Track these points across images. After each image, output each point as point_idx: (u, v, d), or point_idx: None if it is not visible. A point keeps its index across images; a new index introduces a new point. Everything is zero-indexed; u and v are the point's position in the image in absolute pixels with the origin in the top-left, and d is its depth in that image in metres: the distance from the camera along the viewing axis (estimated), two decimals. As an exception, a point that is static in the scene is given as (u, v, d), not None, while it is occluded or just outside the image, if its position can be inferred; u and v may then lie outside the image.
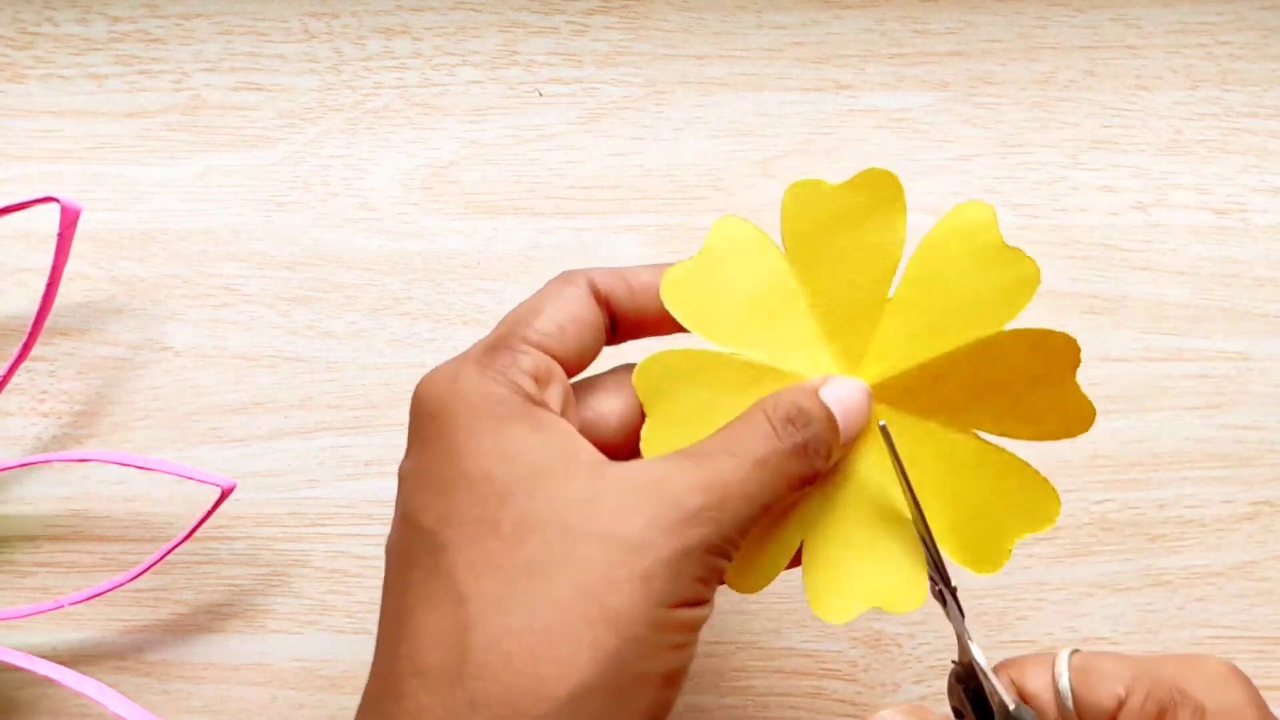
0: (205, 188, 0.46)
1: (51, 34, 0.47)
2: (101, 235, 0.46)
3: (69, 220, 0.42)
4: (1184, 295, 0.45)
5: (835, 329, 0.33)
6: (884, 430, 0.32)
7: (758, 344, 0.33)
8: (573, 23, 0.47)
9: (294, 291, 0.45)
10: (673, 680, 0.29)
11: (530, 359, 0.31)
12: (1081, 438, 0.32)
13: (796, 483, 0.31)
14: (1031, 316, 0.32)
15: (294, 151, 0.46)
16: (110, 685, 0.42)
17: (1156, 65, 0.47)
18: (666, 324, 0.33)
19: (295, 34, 0.47)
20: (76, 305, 0.45)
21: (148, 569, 0.42)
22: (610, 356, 0.35)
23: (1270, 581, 0.43)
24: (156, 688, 0.43)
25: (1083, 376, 0.32)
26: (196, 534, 0.42)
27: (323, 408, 0.45)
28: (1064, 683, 0.31)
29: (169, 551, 0.42)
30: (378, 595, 0.31)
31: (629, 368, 0.34)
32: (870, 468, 0.33)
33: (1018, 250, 0.32)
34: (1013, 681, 0.31)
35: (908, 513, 0.33)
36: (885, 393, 0.33)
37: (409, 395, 0.32)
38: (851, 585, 0.33)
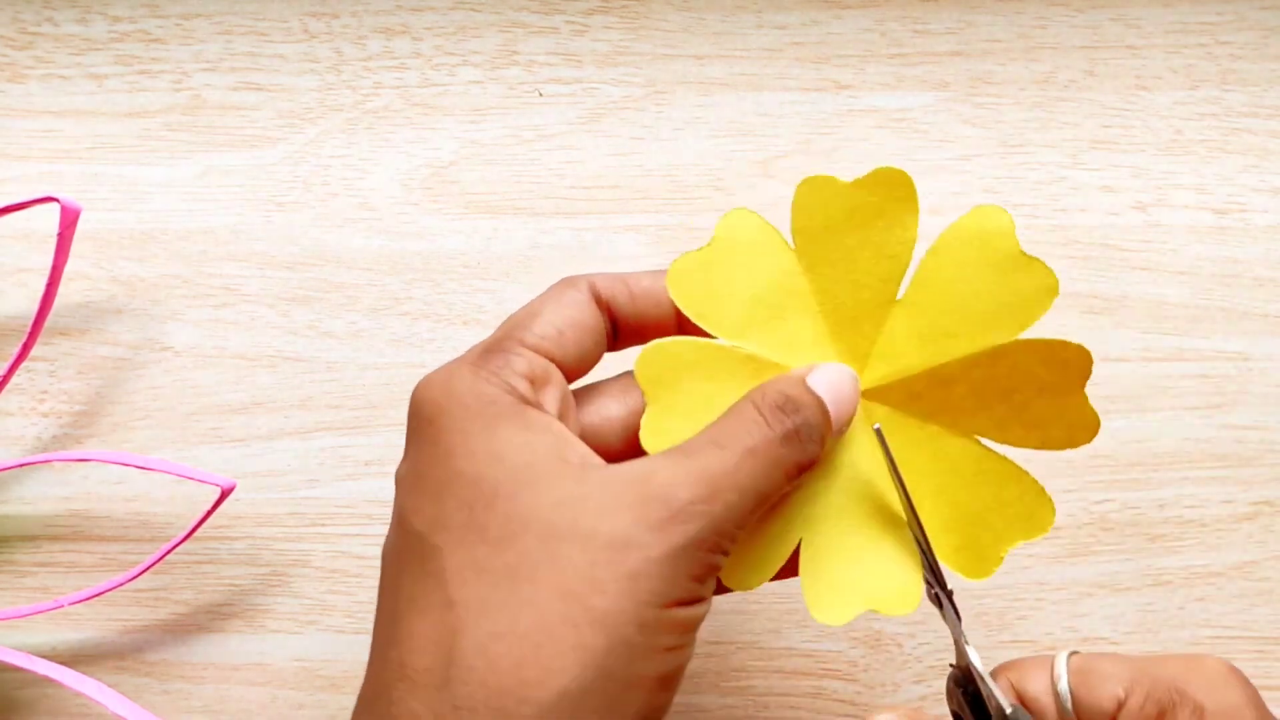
0: (205, 188, 0.46)
1: (51, 34, 0.47)
2: (101, 235, 0.46)
3: (69, 220, 0.42)
4: (1184, 295, 0.45)
5: (841, 328, 0.33)
6: (878, 433, 0.32)
7: (762, 340, 0.33)
8: (573, 23, 0.47)
9: (294, 291, 0.45)
10: (667, 682, 0.29)
11: (525, 361, 0.31)
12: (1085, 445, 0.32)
13: (792, 470, 0.31)
14: (1038, 322, 0.32)
15: (294, 151, 0.46)
16: (110, 685, 0.42)
17: (1156, 65, 0.47)
18: (668, 329, 0.33)
19: (295, 34, 0.47)
20: (76, 305, 0.45)
21: (148, 569, 0.42)
22: (611, 361, 0.35)
23: (1270, 581, 0.43)
24: (156, 688, 0.43)
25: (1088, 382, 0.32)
26: (196, 534, 0.42)
27: (323, 408, 0.45)
28: (1063, 685, 0.31)
29: (169, 551, 0.42)
30: (376, 596, 0.31)
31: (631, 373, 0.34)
32: (869, 469, 0.33)
33: (1037, 260, 0.31)
34: (1012, 684, 0.31)
35: (904, 515, 0.33)
36: (889, 395, 0.33)
37: (409, 395, 0.32)
38: (848, 587, 0.33)
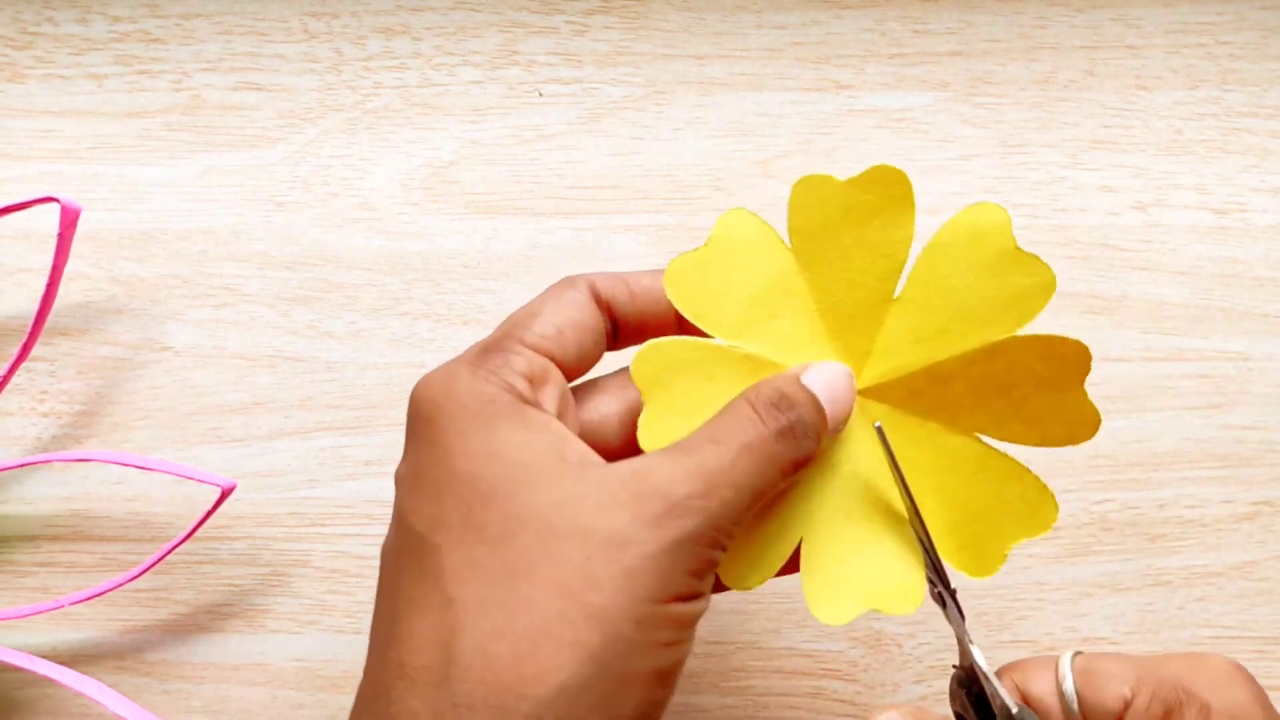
0: (205, 188, 0.46)
1: (51, 34, 0.47)
2: (101, 235, 0.46)
3: (69, 220, 0.42)
4: (1184, 295, 0.45)
5: (839, 327, 0.33)
6: (879, 431, 0.32)
7: (759, 339, 0.33)
8: (573, 23, 0.47)
9: (294, 291, 0.45)
10: (665, 678, 0.29)
11: (524, 360, 0.31)
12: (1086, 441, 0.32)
13: (788, 467, 0.31)
14: (1036, 318, 0.32)
15: (294, 151, 0.46)
16: (110, 685, 0.42)
17: (1156, 65, 0.47)
18: (668, 328, 0.33)
19: (295, 34, 0.47)
20: (76, 305, 0.45)
21: (148, 569, 0.42)
22: (611, 361, 0.35)
23: (1270, 581, 0.43)
24: (156, 688, 0.43)
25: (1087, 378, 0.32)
26: (196, 534, 0.42)
27: (323, 408, 0.45)
28: (1068, 685, 0.31)
29: (169, 551, 0.42)
30: (375, 596, 0.31)
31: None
32: (870, 468, 0.33)
33: (1034, 256, 0.31)
34: (1016, 685, 0.31)
35: (906, 514, 0.33)
36: (888, 393, 0.33)
37: (409, 395, 0.32)
38: (849, 586, 0.33)
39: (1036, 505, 0.32)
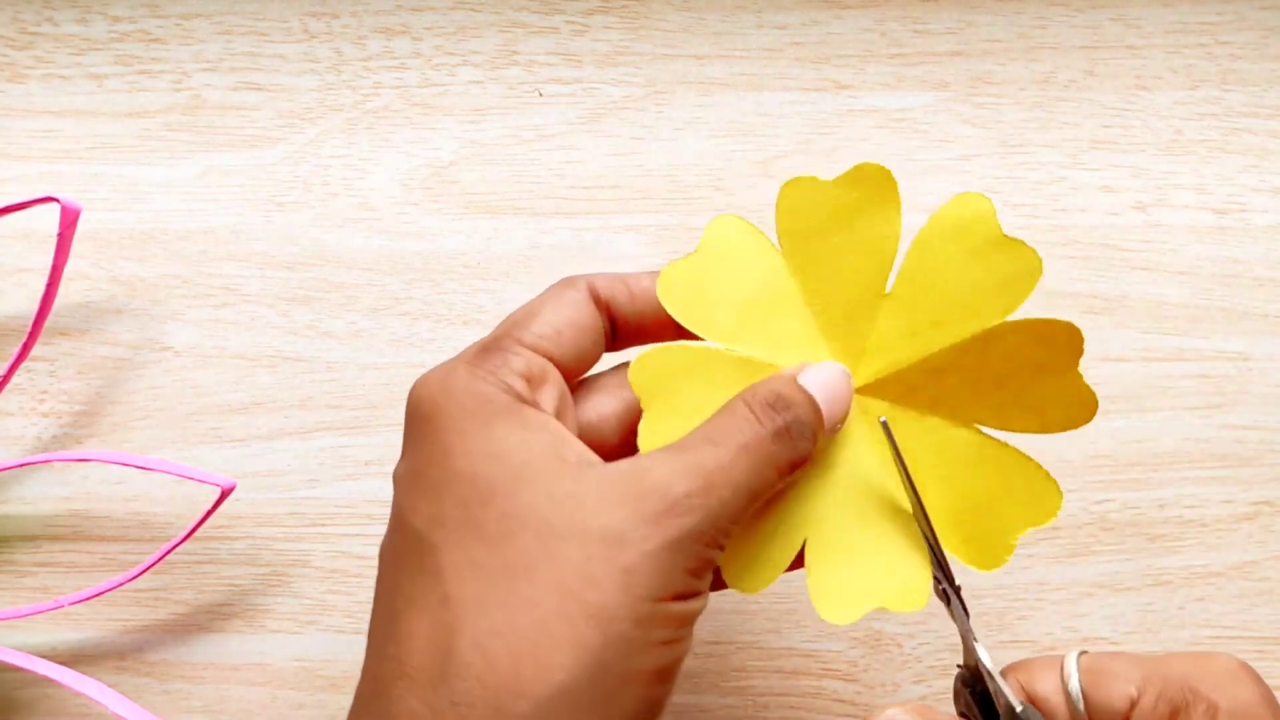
0: (205, 188, 0.46)
1: (51, 34, 0.47)
2: (101, 235, 0.46)
3: (69, 220, 0.42)
4: (1184, 295, 0.45)
5: (833, 326, 0.33)
6: (885, 426, 0.32)
7: (755, 342, 0.33)
8: (573, 23, 0.47)
9: (294, 291, 0.45)
10: (663, 676, 0.29)
11: (522, 360, 0.31)
12: (1082, 438, 0.32)
13: (785, 467, 0.31)
14: (1029, 311, 0.32)
15: (294, 151, 0.46)
16: (110, 685, 0.42)
17: (1156, 65, 0.47)
18: (667, 329, 0.33)
19: (295, 34, 0.47)
20: (76, 305, 0.45)
21: (148, 569, 0.42)
22: (612, 362, 0.35)
23: (1270, 581, 0.43)
24: (156, 688, 0.43)
25: (1083, 377, 0.32)
26: (196, 534, 0.42)
27: (323, 408, 0.45)
28: (1074, 684, 0.31)
29: (169, 551, 0.42)
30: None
31: (628, 366, 0.34)
32: (872, 466, 0.33)
33: (1018, 241, 0.32)
34: (1021, 685, 0.31)
35: (910, 510, 0.33)
36: (886, 389, 0.33)
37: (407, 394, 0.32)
38: (855, 585, 0.33)
39: (1041, 493, 0.32)
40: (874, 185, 0.33)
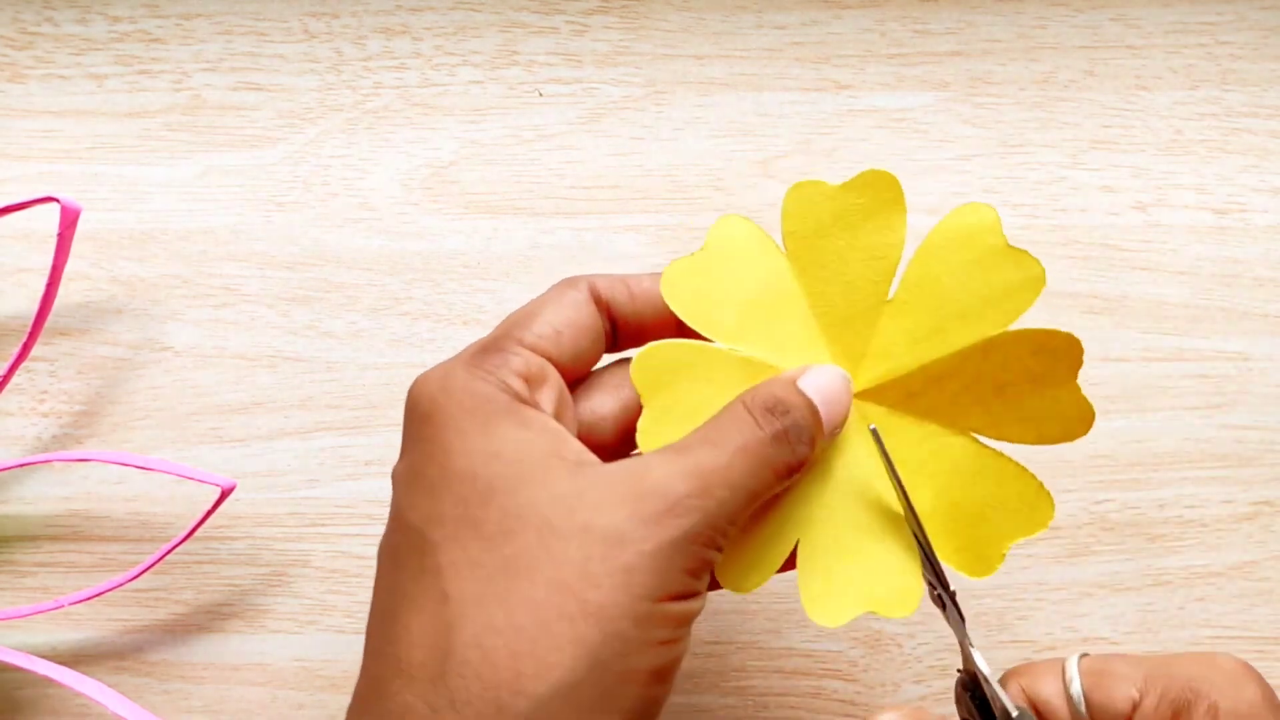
0: (205, 188, 0.46)
1: (51, 34, 0.47)
2: (101, 235, 0.46)
3: (69, 220, 0.42)
4: (1184, 295, 0.45)
5: (834, 330, 0.33)
6: (874, 434, 0.32)
7: (757, 343, 0.33)
8: (573, 23, 0.47)
9: (294, 291, 0.45)
10: (662, 676, 0.29)
11: (521, 360, 0.31)
12: (1082, 438, 0.32)
13: (782, 471, 0.31)
14: (1031, 317, 0.32)
15: (294, 151, 0.46)
16: (110, 685, 0.42)
17: (1156, 65, 0.47)
18: (668, 330, 0.33)
19: (295, 34, 0.47)
20: (76, 305, 0.45)
21: (148, 569, 0.42)
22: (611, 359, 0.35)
23: (1270, 581, 0.43)
24: (156, 688, 0.43)
25: (1083, 376, 0.32)
26: (196, 534, 0.42)
27: (323, 408, 0.45)
28: (1076, 687, 0.31)
29: (169, 551, 0.42)
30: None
31: (628, 364, 0.34)
32: (868, 471, 0.33)
33: (1023, 251, 0.32)
34: (1024, 689, 0.31)
35: (904, 516, 0.33)
36: (884, 395, 0.33)
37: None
38: (846, 589, 0.33)
39: (1034, 504, 0.32)
40: (880, 191, 0.33)
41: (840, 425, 0.32)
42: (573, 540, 0.28)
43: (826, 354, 0.33)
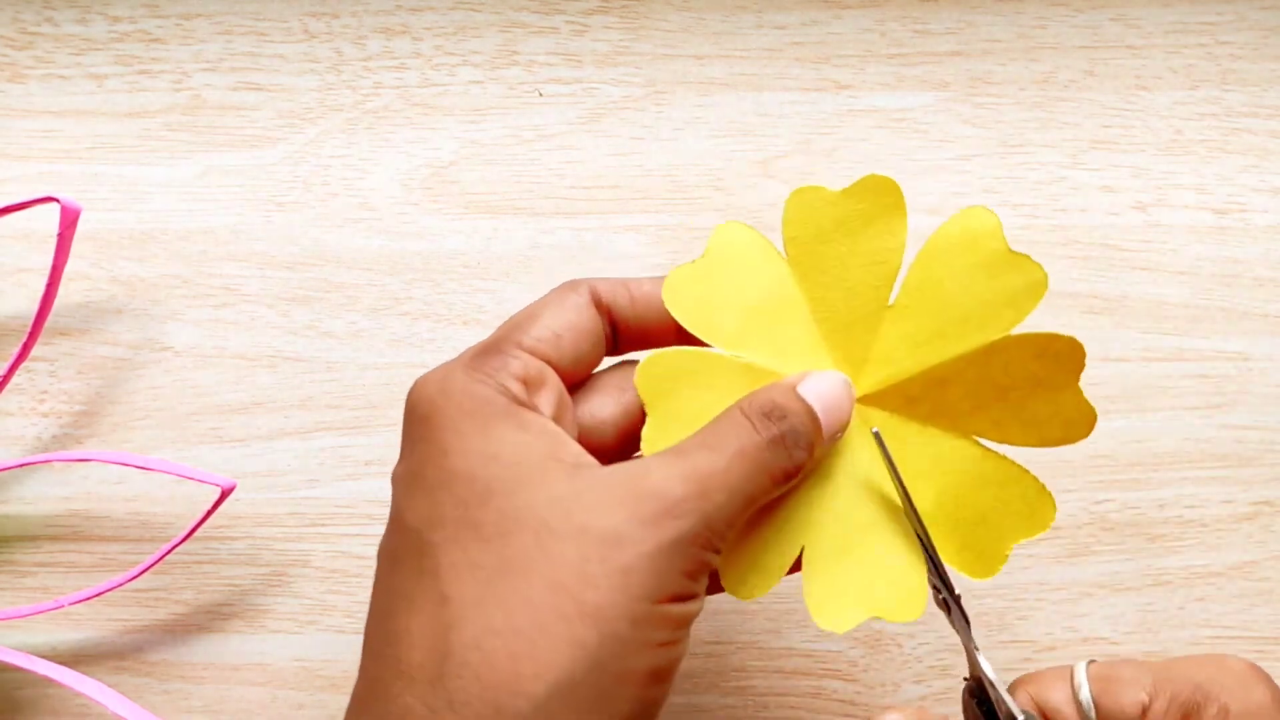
0: (205, 188, 0.46)
1: (51, 34, 0.47)
2: (101, 235, 0.46)
3: (69, 220, 0.42)
4: (1184, 295, 0.45)
5: (836, 335, 0.33)
6: (877, 437, 0.32)
7: (759, 349, 0.33)
8: (573, 23, 0.47)
9: (294, 291, 0.45)
10: (660, 677, 0.29)
11: (520, 363, 0.31)
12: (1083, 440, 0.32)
13: (779, 476, 0.31)
14: (1031, 318, 0.32)
15: (294, 151, 0.46)
16: (110, 685, 0.42)
17: (1156, 65, 0.46)
18: (668, 334, 0.33)
19: (295, 34, 0.47)
20: (76, 305, 0.45)
21: (148, 569, 0.42)
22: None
23: (1270, 581, 0.43)
24: (156, 688, 0.43)
25: (1083, 377, 0.32)
26: (196, 534, 0.42)
27: (323, 408, 0.45)
28: (1085, 694, 0.31)
29: (169, 551, 0.42)
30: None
31: (628, 366, 0.34)
32: (870, 475, 0.33)
33: (1025, 256, 0.32)
34: (1032, 697, 0.31)
35: (907, 520, 0.33)
36: (887, 399, 0.33)
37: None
38: (850, 593, 0.33)
39: (1035, 505, 0.32)
40: (881, 196, 0.33)
41: (841, 430, 0.32)
42: (570, 541, 0.28)
43: (828, 359, 0.33)
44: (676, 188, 0.46)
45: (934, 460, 0.33)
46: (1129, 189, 0.46)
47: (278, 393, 0.45)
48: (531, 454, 0.29)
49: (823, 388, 0.32)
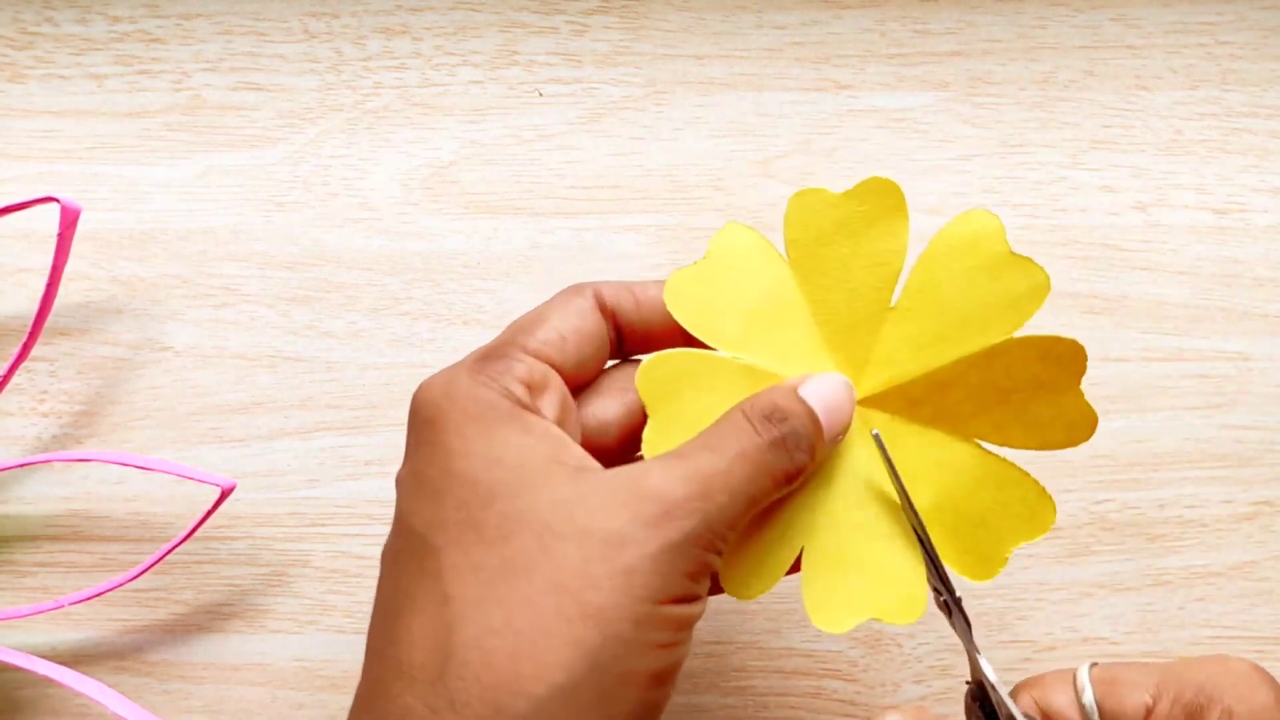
0: (205, 188, 0.46)
1: (51, 34, 0.47)
2: (101, 235, 0.46)
3: (69, 220, 0.42)
4: (1184, 295, 0.45)
5: (837, 338, 0.33)
6: (877, 439, 0.32)
7: (760, 351, 0.33)
8: (573, 23, 0.47)
9: (294, 291, 0.45)
10: (661, 679, 0.29)
11: (524, 366, 0.31)
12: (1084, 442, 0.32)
13: (781, 477, 0.31)
14: (1032, 319, 0.32)
15: (294, 151, 0.46)
16: (110, 685, 0.42)
17: (1156, 65, 0.46)
18: (673, 338, 0.33)
19: (295, 34, 0.47)
20: (76, 305, 0.45)
21: (148, 569, 0.42)
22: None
23: (1270, 581, 0.43)
24: (156, 688, 0.43)
25: (1084, 379, 0.32)
26: (196, 534, 0.42)
27: (323, 408, 0.45)
28: (1088, 697, 0.31)
29: (169, 551, 0.42)
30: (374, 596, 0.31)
31: (630, 366, 0.34)
32: (871, 477, 0.33)
33: (1027, 259, 0.32)
34: (1035, 701, 0.31)
35: (908, 522, 0.33)
36: (888, 402, 0.33)
37: (409, 395, 0.32)
38: (850, 595, 0.33)
39: (1035, 508, 0.32)
40: (882, 198, 0.33)
41: (842, 433, 0.32)
42: (572, 543, 0.28)
43: (830, 361, 0.33)
44: (676, 188, 0.46)
45: (934, 462, 0.33)
46: (1129, 189, 0.46)
47: (278, 393, 0.45)
48: (534, 457, 0.29)
49: (824, 390, 0.32)
